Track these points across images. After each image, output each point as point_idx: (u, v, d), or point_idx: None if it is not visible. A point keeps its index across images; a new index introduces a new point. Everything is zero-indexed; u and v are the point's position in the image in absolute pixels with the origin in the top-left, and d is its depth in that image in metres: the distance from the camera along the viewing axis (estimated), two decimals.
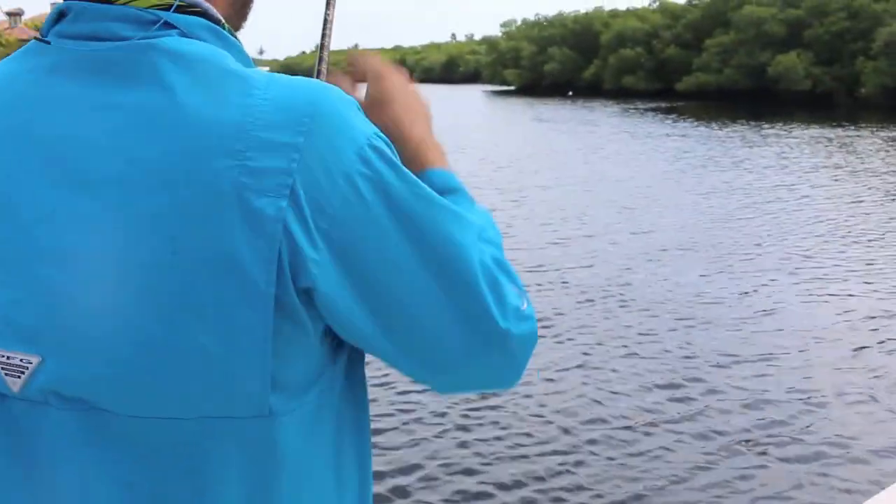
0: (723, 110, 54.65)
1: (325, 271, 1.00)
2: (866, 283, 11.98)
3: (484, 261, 1.10)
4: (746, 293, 11.41)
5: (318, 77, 1.37)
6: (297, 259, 0.98)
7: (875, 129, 40.10)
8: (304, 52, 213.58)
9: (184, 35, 1.04)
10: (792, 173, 24.16)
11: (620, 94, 77.04)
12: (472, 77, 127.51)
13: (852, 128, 41.19)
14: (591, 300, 11.13)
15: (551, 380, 8.18)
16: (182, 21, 1.05)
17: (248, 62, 1.10)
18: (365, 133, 1.05)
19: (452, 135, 30.49)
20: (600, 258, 13.85)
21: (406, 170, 1.07)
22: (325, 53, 1.43)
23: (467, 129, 38.66)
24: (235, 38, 1.12)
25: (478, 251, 1.09)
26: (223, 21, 1.11)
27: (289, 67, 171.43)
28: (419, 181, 1.08)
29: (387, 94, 1.34)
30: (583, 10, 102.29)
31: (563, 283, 12.24)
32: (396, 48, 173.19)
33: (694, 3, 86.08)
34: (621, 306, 10.88)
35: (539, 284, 11.96)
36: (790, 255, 13.76)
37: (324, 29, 1.45)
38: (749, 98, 66.30)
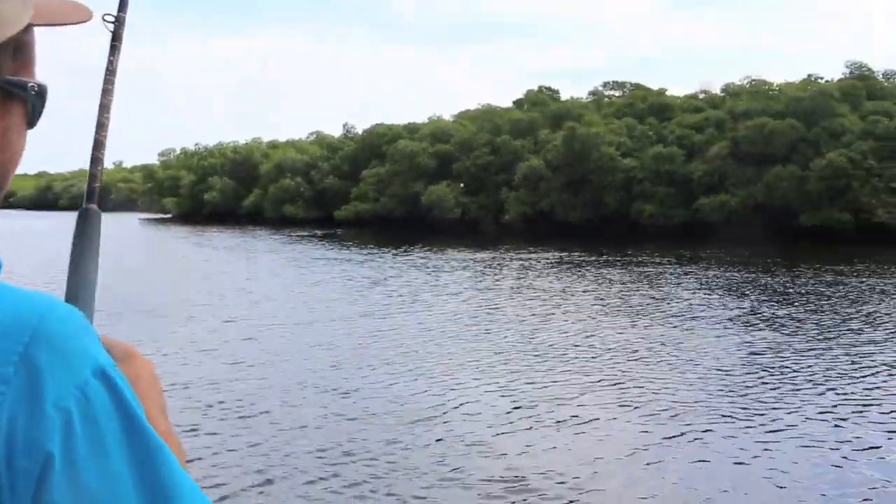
0: (383, 237, 58.45)
1: None
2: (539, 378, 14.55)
3: None
4: (441, 392, 13.34)
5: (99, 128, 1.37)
6: None
7: (519, 251, 45.11)
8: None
9: None
10: (455, 292, 27.42)
11: (281, 223, 79.31)
12: (125, 205, 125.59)
13: (500, 250, 45.96)
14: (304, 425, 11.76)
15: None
16: None
17: None
18: (93, 363, 0.92)
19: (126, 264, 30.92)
20: (304, 373, 15.10)
21: (136, 411, 0.94)
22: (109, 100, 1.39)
23: (139, 258, 38.99)
24: None
25: None
26: None
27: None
28: (147, 428, 0.94)
29: (133, 378, 1.10)
30: (242, 141, 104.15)
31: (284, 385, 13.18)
32: (41, 174, 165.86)
33: (350, 136, 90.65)
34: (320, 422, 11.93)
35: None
36: (479, 359, 16.02)
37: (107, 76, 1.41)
38: (405, 225, 70.63)
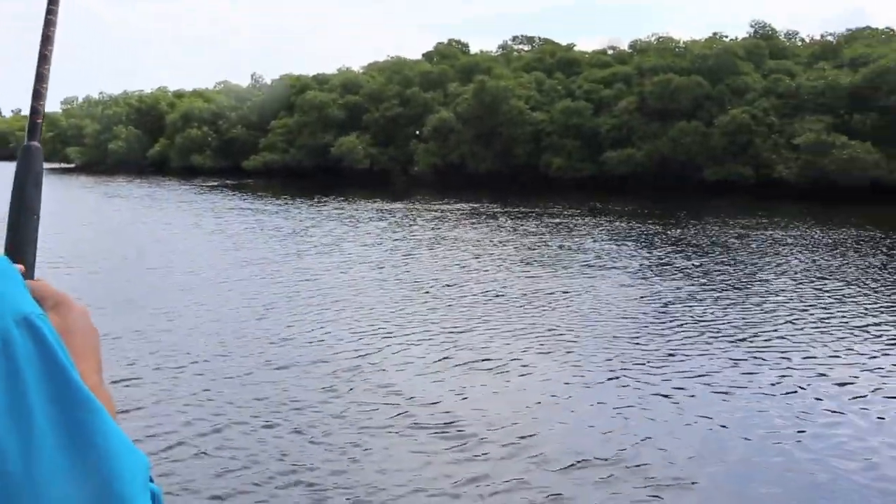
0: (294, 187, 58.40)
1: None
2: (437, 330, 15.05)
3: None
4: (370, 341, 13.65)
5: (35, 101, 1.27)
6: None
7: (433, 202, 45.60)
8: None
9: None
10: (374, 242, 27.92)
11: (189, 173, 78.06)
12: None
13: (414, 201, 46.53)
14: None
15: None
16: None
17: None
18: (16, 312, 0.87)
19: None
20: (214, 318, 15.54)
21: (63, 362, 0.88)
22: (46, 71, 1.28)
23: (45, 209, 38.05)
24: None
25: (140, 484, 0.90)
26: None
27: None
28: (75, 380, 0.88)
29: (64, 328, 1.06)
30: (148, 90, 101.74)
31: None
32: None
33: (258, 86, 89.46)
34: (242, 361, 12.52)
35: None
36: (404, 308, 16.41)
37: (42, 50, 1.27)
38: (313, 175, 70.50)
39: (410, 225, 33.71)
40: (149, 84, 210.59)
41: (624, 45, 73.91)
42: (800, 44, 68.91)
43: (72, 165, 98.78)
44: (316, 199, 47.04)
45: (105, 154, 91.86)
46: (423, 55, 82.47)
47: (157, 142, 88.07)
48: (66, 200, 46.43)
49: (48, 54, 1.26)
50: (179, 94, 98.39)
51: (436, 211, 40.41)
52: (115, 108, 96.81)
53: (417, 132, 68.10)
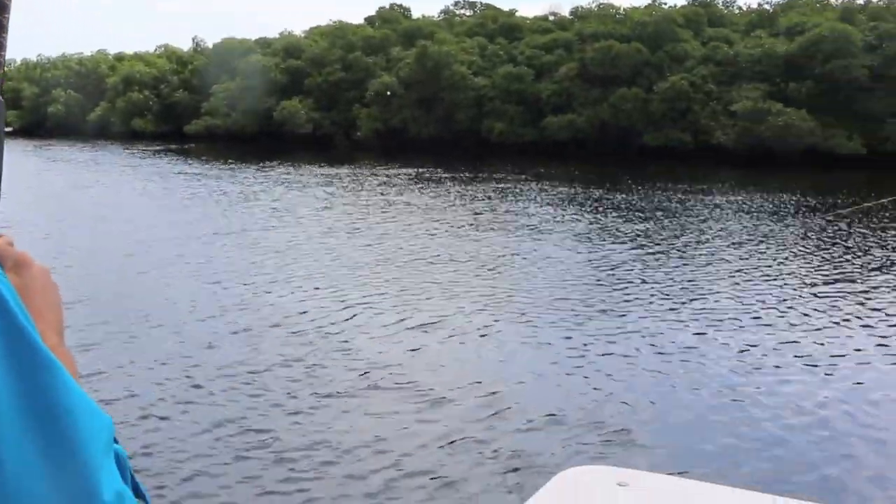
0: (238, 151, 58.24)
1: None
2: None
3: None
4: (335, 306, 13.94)
5: None
6: None
7: (377, 167, 46.04)
8: None
9: None
10: (325, 207, 28.43)
11: (131, 137, 77.25)
12: None
13: (360, 166, 46.81)
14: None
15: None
16: None
17: None
18: None
19: None
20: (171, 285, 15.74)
21: (21, 323, 0.84)
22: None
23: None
24: None
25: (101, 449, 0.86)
26: None
27: None
28: (35, 342, 0.85)
29: (23, 288, 1.02)
30: (87, 53, 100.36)
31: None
32: None
33: (199, 50, 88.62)
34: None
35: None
36: (363, 273, 16.82)
37: None
38: (257, 140, 70.20)
39: (358, 190, 34.07)
40: (88, 47, 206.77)
41: (565, 12, 74.90)
42: (737, 12, 70.06)
43: (9, 129, 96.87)
44: (261, 164, 47.12)
45: (44, 118, 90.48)
46: (366, 19, 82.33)
47: (98, 106, 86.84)
48: (6, 164, 45.95)
49: (7, 4, 1.12)
50: (120, 58, 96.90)
51: (381, 176, 40.77)
52: (54, 71, 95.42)
53: (363, 96, 68.20)
